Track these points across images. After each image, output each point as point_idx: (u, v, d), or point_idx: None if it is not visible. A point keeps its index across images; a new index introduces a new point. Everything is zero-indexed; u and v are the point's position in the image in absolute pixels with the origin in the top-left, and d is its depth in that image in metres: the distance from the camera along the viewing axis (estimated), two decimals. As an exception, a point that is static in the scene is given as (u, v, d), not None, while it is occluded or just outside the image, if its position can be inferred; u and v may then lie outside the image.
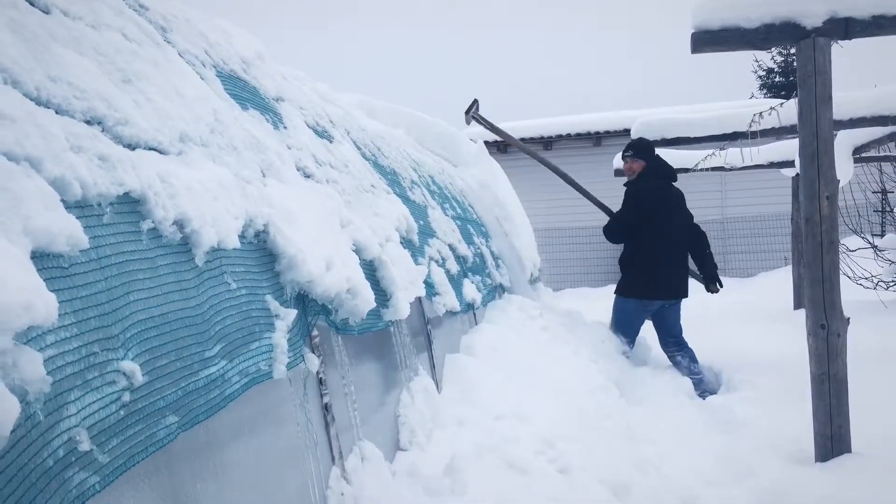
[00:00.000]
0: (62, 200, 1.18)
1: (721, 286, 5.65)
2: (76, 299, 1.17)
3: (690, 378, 5.21)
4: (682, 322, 5.63)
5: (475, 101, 7.09)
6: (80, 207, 1.24)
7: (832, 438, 3.25)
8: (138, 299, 1.34)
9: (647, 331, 5.97)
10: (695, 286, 5.75)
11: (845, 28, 3.30)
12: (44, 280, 1.05)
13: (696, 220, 5.77)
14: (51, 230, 1.10)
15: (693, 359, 5.39)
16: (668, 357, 5.50)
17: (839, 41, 3.42)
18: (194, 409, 1.43)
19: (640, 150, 5.58)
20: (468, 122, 7.11)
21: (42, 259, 1.11)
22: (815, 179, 3.33)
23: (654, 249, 5.36)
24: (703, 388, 5.16)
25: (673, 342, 5.49)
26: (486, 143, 13.66)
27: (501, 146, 16.49)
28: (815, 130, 3.34)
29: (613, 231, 5.61)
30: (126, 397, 1.22)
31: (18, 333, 0.97)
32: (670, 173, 5.56)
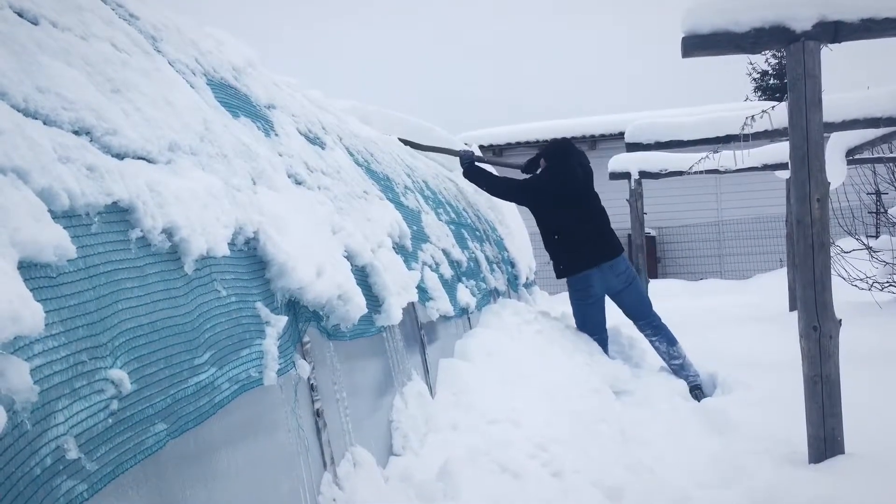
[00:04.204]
0: (50, 211, 1.19)
1: None
2: (64, 308, 1.18)
3: (671, 363, 5.29)
4: (668, 318, 5.65)
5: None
6: (67, 218, 1.25)
7: (825, 440, 3.26)
8: (127, 308, 1.35)
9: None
10: (689, 290, 5.75)
11: (834, 31, 3.31)
12: (31, 290, 1.07)
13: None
14: (38, 241, 1.11)
15: (672, 341, 5.40)
16: (649, 342, 5.55)
17: (829, 44, 3.43)
18: (184, 417, 1.44)
19: (544, 151, 5.91)
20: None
21: (29, 269, 1.12)
22: (805, 182, 3.34)
23: (554, 235, 5.60)
24: (687, 371, 5.21)
25: (646, 325, 5.54)
26: (482, 147, 13.68)
27: (497, 150, 16.53)
28: (806, 133, 3.35)
29: (488, 182, 5.95)
30: (114, 405, 1.23)
31: (5, 343, 0.98)
32: (557, 178, 5.67)
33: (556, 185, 5.57)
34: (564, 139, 6.12)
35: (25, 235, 1.09)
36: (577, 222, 5.51)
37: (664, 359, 5.38)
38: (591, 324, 5.54)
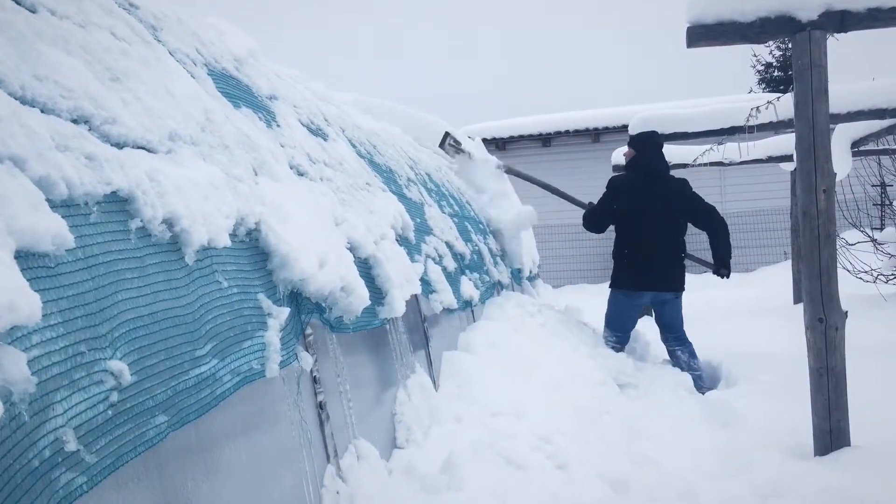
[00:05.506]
0: (48, 200, 1.17)
1: (727, 274, 5.59)
2: (62, 299, 1.16)
3: (690, 374, 5.19)
4: (682, 317, 5.60)
5: (446, 134, 7.16)
6: (66, 207, 1.24)
7: (831, 432, 3.24)
8: (127, 298, 1.33)
9: (647, 327, 5.96)
10: (693, 283, 5.72)
11: (841, 21, 3.28)
12: (29, 280, 1.05)
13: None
14: (36, 230, 1.10)
15: (692, 354, 5.37)
16: (668, 352, 5.49)
17: (835, 34, 3.40)
18: (185, 409, 1.42)
19: (633, 140, 5.76)
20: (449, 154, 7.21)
21: (27, 259, 1.10)
22: (811, 172, 3.32)
23: (633, 241, 5.41)
24: (702, 384, 5.15)
25: (673, 337, 5.47)
26: (484, 140, 13.64)
27: (500, 143, 16.49)
28: (812, 124, 3.33)
29: (585, 217, 5.86)
30: (114, 397, 1.21)
31: (1, 333, 0.97)
32: (649, 168, 5.56)
33: (638, 173, 5.50)
34: (653, 131, 6.03)
35: (23, 224, 1.07)
36: (651, 236, 5.36)
37: (682, 369, 5.29)
38: (621, 323, 5.51)
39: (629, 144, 5.74)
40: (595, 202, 5.88)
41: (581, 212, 6.08)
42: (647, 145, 5.63)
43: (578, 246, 15.57)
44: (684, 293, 5.59)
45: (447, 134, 7.13)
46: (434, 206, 4.56)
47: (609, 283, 5.64)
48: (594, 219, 5.74)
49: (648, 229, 5.38)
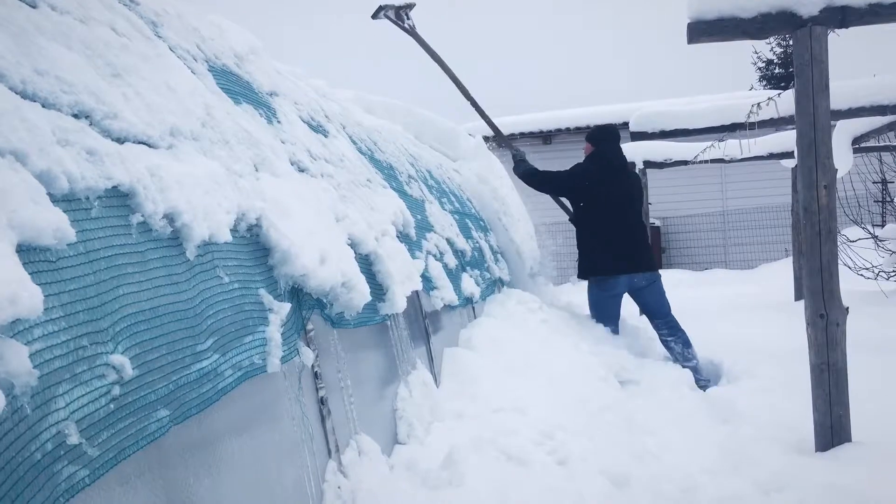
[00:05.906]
0: (49, 194, 1.17)
1: None
2: (64, 293, 1.17)
3: (684, 365, 5.21)
4: (674, 307, 5.60)
5: (380, 7, 6.81)
6: (67, 201, 1.24)
7: (832, 428, 3.24)
8: (128, 293, 1.33)
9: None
10: (694, 280, 5.70)
11: (842, 16, 3.28)
12: (30, 273, 1.05)
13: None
14: (37, 223, 1.10)
15: (687, 343, 5.36)
16: (661, 342, 5.49)
17: (836, 30, 3.40)
18: (186, 403, 1.43)
19: (591, 135, 5.86)
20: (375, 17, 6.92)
21: (28, 252, 1.10)
22: (812, 169, 3.32)
23: (606, 232, 5.46)
24: (699, 374, 5.15)
25: (662, 324, 5.47)
26: (485, 138, 13.63)
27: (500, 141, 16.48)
28: (813, 120, 3.32)
29: (531, 174, 5.99)
30: (116, 391, 1.22)
31: (3, 326, 0.97)
32: (613, 161, 5.61)
33: (600, 167, 5.54)
34: (610, 124, 6.08)
35: (24, 218, 1.07)
36: (619, 223, 5.43)
37: (678, 360, 5.31)
38: (606, 315, 5.51)
39: (587, 139, 5.80)
40: (524, 151, 6.12)
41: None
42: (607, 139, 5.69)
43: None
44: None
45: (381, 7, 6.79)
46: (435, 203, 4.56)
47: (579, 274, 5.69)
48: (544, 186, 5.94)
49: (621, 219, 5.45)
